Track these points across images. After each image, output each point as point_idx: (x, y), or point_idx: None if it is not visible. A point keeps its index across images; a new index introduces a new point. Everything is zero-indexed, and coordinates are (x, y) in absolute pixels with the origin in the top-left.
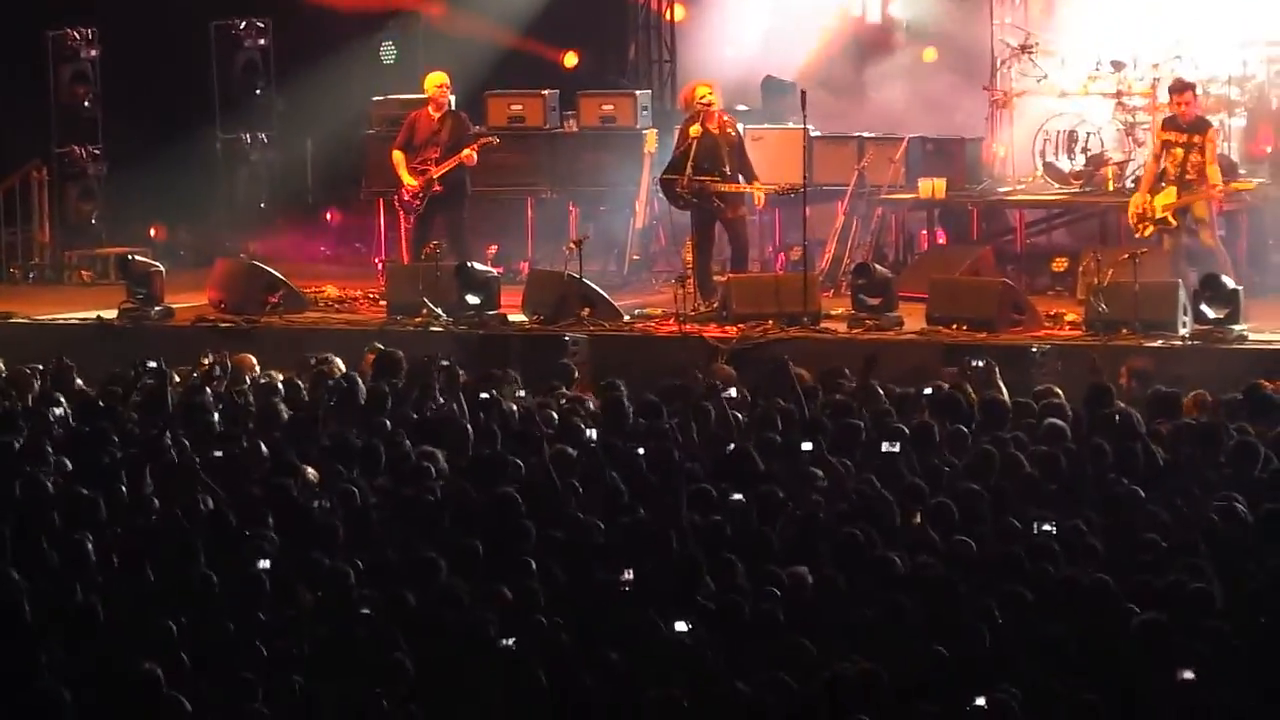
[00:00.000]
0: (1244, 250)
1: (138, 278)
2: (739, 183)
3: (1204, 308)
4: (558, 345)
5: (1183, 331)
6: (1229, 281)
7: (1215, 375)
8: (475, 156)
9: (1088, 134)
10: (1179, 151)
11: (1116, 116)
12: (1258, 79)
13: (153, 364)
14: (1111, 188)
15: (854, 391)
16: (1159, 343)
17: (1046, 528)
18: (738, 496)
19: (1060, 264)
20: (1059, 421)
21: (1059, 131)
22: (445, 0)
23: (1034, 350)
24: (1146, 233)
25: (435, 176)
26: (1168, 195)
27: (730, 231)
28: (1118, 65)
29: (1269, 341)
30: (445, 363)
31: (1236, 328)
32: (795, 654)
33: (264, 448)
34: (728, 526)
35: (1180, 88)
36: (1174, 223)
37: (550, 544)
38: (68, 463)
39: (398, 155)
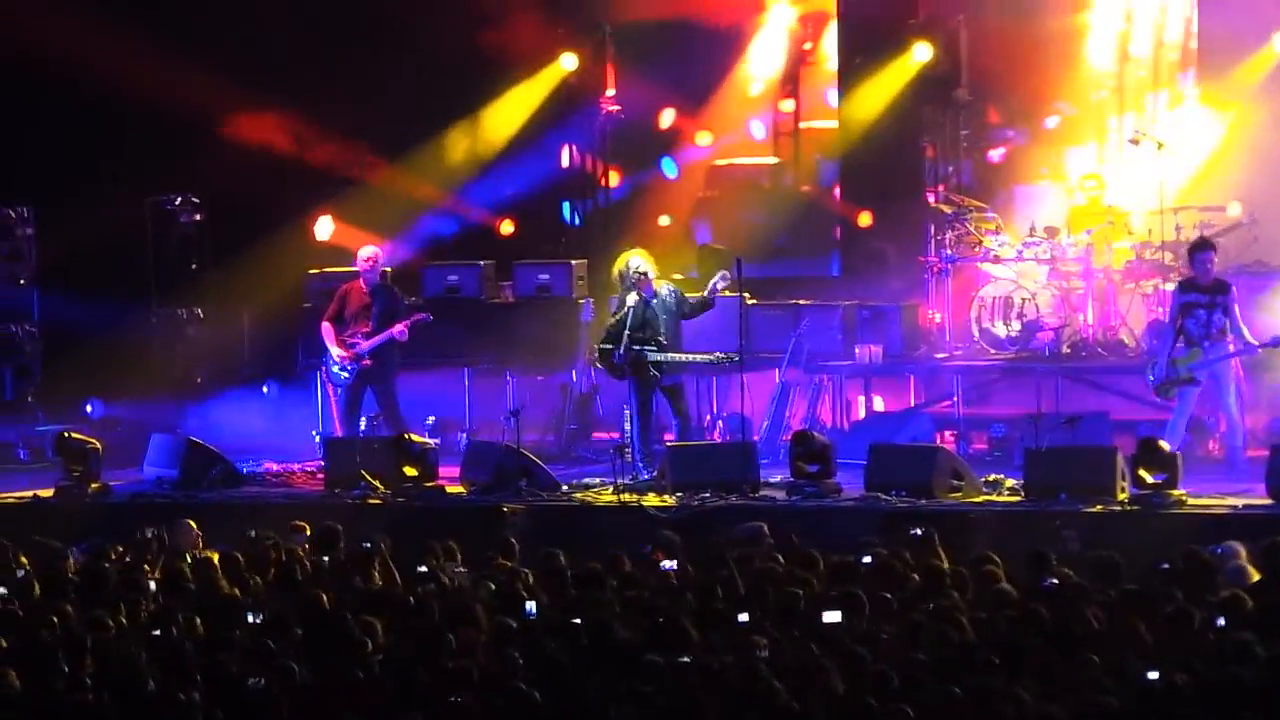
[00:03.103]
0: None
1: (74, 455)
2: (677, 350)
3: (1142, 472)
4: (496, 516)
5: (1121, 496)
6: (1167, 445)
7: (1153, 541)
8: (406, 333)
9: (1022, 300)
10: (1201, 313)
11: (1051, 282)
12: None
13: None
14: (1047, 353)
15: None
16: (1097, 508)
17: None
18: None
19: (997, 429)
20: (1000, 588)
21: (994, 298)
22: (381, 166)
23: (973, 516)
24: (1172, 394)
25: (365, 350)
26: (1193, 355)
27: (669, 399)
28: (1051, 231)
29: (1207, 507)
30: (368, 544)
31: (1174, 493)
32: None
33: (201, 625)
34: (662, 698)
35: (1202, 247)
36: (1199, 381)
37: (493, 716)
38: (3, 643)
39: (326, 326)
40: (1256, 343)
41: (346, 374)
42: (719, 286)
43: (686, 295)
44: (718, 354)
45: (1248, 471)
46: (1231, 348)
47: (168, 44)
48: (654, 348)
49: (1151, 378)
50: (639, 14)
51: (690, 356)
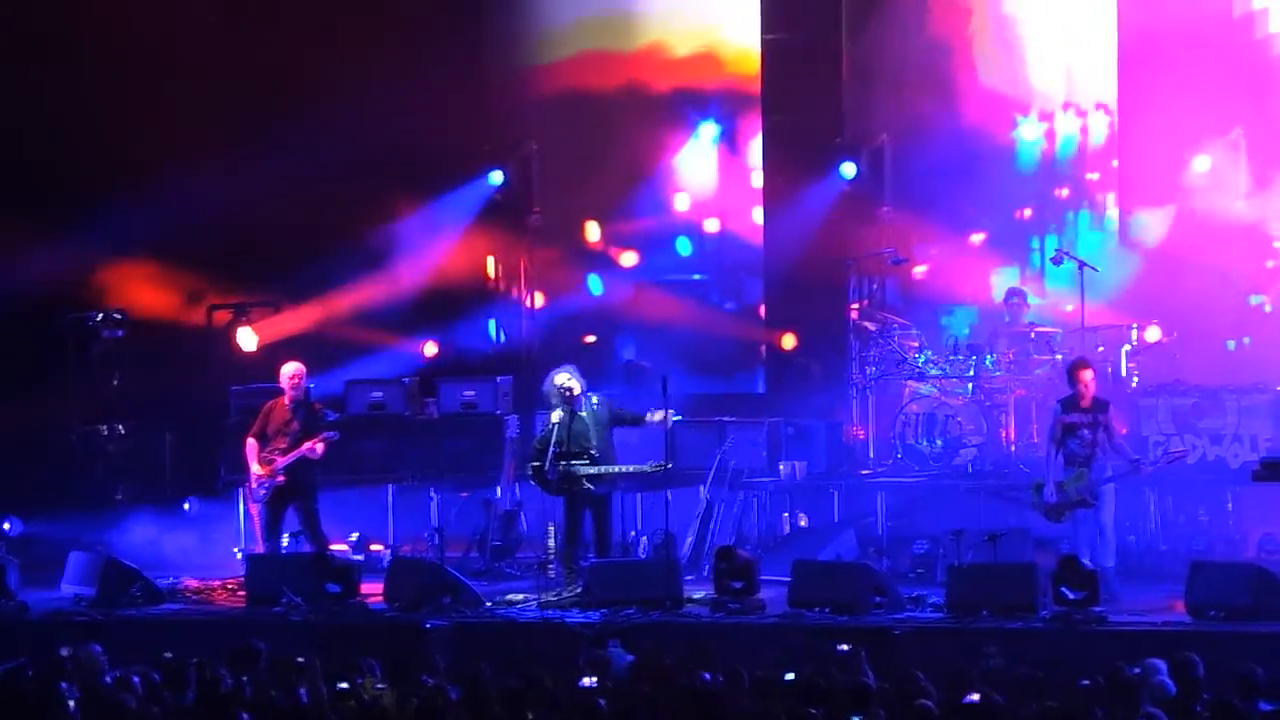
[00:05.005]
0: None
1: None
2: (609, 461)
3: (1063, 589)
4: (419, 633)
5: (1042, 613)
6: (1087, 563)
7: (1075, 658)
8: (320, 450)
9: (946, 417)
10: (1085, 433)
11: (974, 399)
12: None
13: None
14: (970, 470)
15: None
16: (1019, 624)
17: None
18: None
19: (920, 546)
20: (922, 704)
21: (918, 414)
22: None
23: (896, 633)
24: (1064, 517)
25: (280, 467)
26: (1080, 477)
27: (595, 512)
28: (975, 349)
29: (1127, 623)
30: (301, 660)
31: (1095, 609)
32: None
33: None
34: None
35: (1081, 366)
36: (1092, 502)
37: None
38: None
39: (251, 443)
40: (1137, 457)
41: (264, 491)
42: (653, 419)
43: (616, 409)
44: (650, 464)
45: (1121, 592)
46: (1110, 470)
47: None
48: (585, 461)
49: (1038, 500)
50: (565, 131)
51: (621, 468)
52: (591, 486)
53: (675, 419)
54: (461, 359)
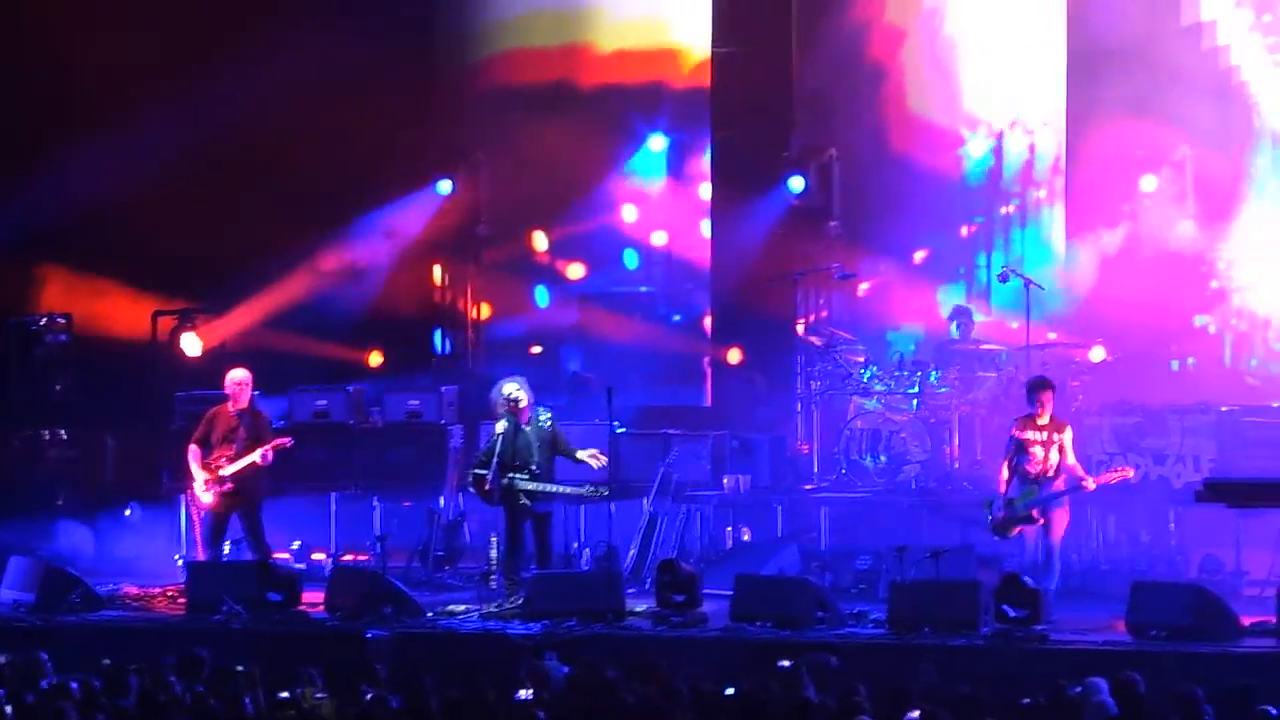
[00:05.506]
0: None
1: None
2: (549, 479)
3: (1004, 607)
4: (360, 643)
5: (983, 631)
6: (1029, 581)
7: (1016, 676)
8: (270, 457)
9: (890, 433)
10: (1038, 451)
11: (919, 416)
12: None
13: None
14: (914, 486)
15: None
16: (960, 641)
17: None
18: None
19: (863, 562)
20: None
21: (862, 430)
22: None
23: (837, 648)
24: (1012, 533)
25: (226, 474)
26: (1029, 494)
27: (536, 527)
28: (920, 365)
29: (1068, 642)
30: (241, 668)
31: (1037, 628)
32: None
33: None
34: None
35: (1040, 386)
36: (1037, 519)
37: None
38: None
39: (193, 449)
40: (1089, 479)
41: (209, 498)
42: (582, 456)
43: (560, 434)
44: (588, 487)
45: (1059, 615)
46: (1062, 485)
47: None
48: (525, 476)
49: (989, 515)
50: (512, 140)
51: (561, 488)
52: (529, 502)
53: (603, 464)
54: (405, 370)
